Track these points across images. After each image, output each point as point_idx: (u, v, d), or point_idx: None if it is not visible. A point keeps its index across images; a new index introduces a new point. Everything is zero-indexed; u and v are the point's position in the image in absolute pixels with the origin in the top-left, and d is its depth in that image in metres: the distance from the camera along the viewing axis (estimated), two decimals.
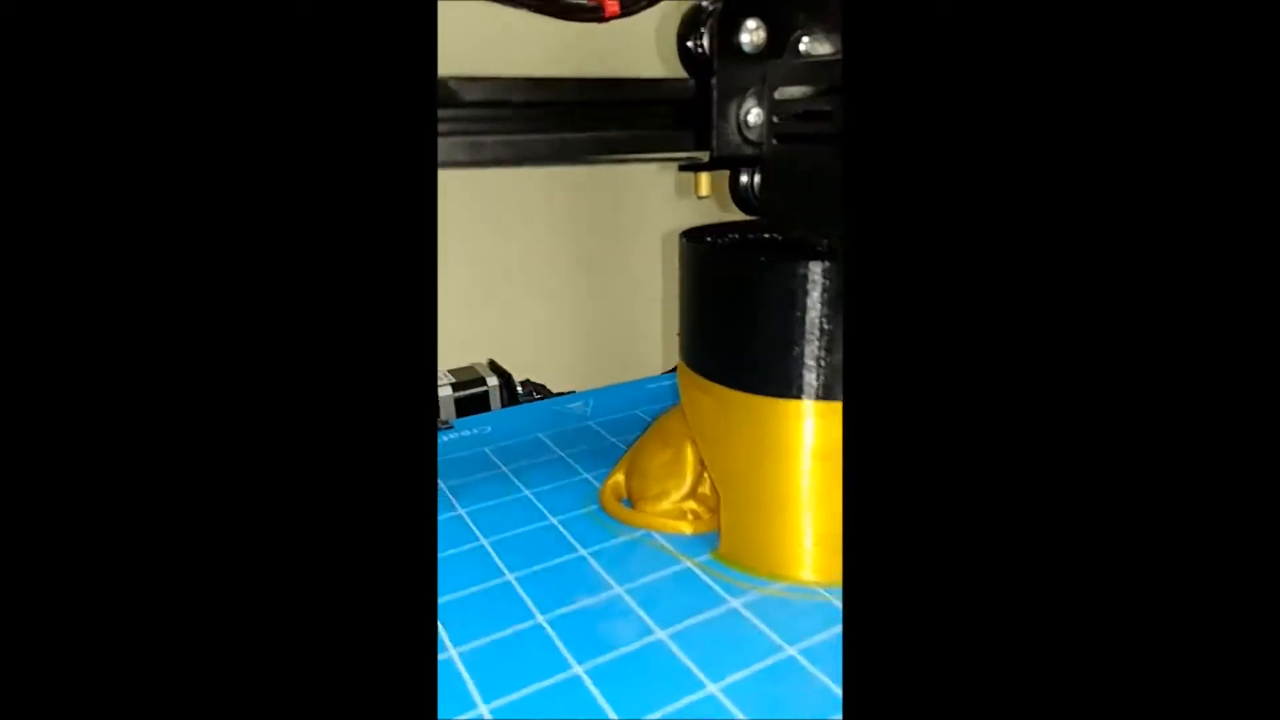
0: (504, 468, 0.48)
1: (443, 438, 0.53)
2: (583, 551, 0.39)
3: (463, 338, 0.73)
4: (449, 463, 0.49)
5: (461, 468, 0.48)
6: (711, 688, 0.30)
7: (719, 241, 0.39)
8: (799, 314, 0.33)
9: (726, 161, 0.37)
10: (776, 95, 0.36)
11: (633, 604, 0.34)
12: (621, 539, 0.40)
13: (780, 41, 0.37)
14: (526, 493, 0.45)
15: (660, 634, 0.32)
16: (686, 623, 0.33)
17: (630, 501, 0.43)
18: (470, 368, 0.66)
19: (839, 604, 0.34)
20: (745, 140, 0.37)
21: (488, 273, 0.73)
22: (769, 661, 0.31)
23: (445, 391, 0.63)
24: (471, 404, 0.63)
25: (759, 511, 0.37)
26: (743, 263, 0.35)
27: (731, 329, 0.35)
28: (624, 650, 0.32)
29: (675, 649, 0.32)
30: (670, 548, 0.39)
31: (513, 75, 0.35)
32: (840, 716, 0.29)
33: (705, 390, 0.37)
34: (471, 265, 0.72)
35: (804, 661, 0.31)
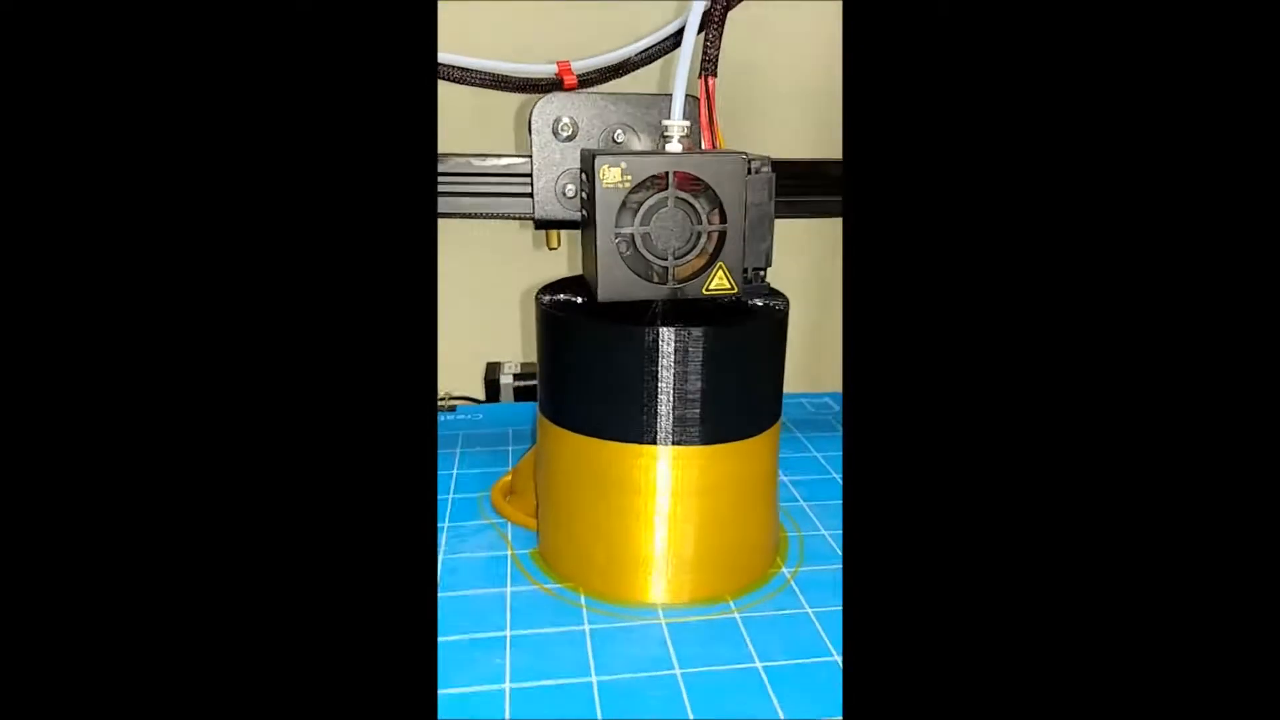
0: (456, 450, 0.59)
1: (441, 419, 0.65)
2: (443, 523, 0.49)
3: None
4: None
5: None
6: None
7: (567, 302, 0.44)
8: (651, 372, 0.39)
9: (545, 224, 0.45)
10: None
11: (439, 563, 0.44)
12: (482, 522, 0.49)
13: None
14: (453, 471, 0.55)
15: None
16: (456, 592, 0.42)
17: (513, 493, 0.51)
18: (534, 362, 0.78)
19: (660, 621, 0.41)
20: (564, 208, 0.44)
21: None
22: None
23: (507, 379, 0.76)
24: (528, 393, 0.75)
25: (606, 542, 0.42)
26: (595, 329, 0.40)
27: (593, 386, 0.41)
28: None
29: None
30: (507, 535, 0.47)
31: None
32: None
33: (562, 439, 0.42)
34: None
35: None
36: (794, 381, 0.81)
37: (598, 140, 0.46)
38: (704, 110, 0.43)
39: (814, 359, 0.84)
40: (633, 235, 0.39)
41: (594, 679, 0.36)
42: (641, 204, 0.38)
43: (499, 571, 0.44)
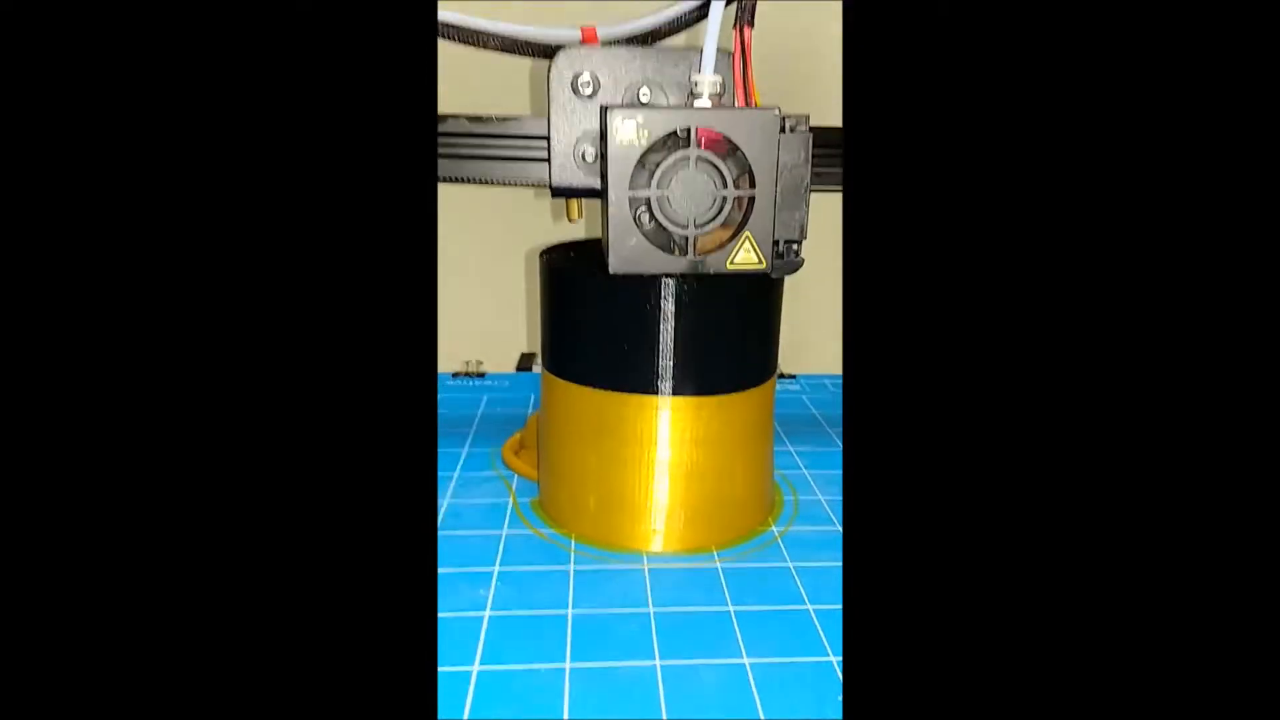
0: (479, 409, 0.61)
1: (469, 384, 0.68)
2: (453, 473, 0.51)
3: None
4: (457, 401, 0.64)
5: (460, 408, 0.63)
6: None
7: (573, 256, 0.45)
8: (654, 323, 0.40)
9: (563, 192, 0.46)
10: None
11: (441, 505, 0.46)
12: (490, 473, 0.51)
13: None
14: (471, 430, 0.58)
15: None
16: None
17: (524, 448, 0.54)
18: None
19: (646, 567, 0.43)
20: (583, 175, 0.45)
21: None
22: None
23: (538, 370, 0.79)
24: None
25: (598, 489, 0.43)
26: (601, 282, 0.40)
27: (592, 337, 0.42)
28: None
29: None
30: (512, 486, 0.50)
31: None
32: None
33: (561, 389, 0.43)
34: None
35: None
36: (816, 361, 0.81)
37: (621, 99, 0.43)
38: (738, 64, 0.38)
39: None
40: (648, 200, 0.37)
41: (569, 612, 0.37)
42: (659, 164, 0.36)
43: (498, 517, 0.46)
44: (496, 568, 0.41)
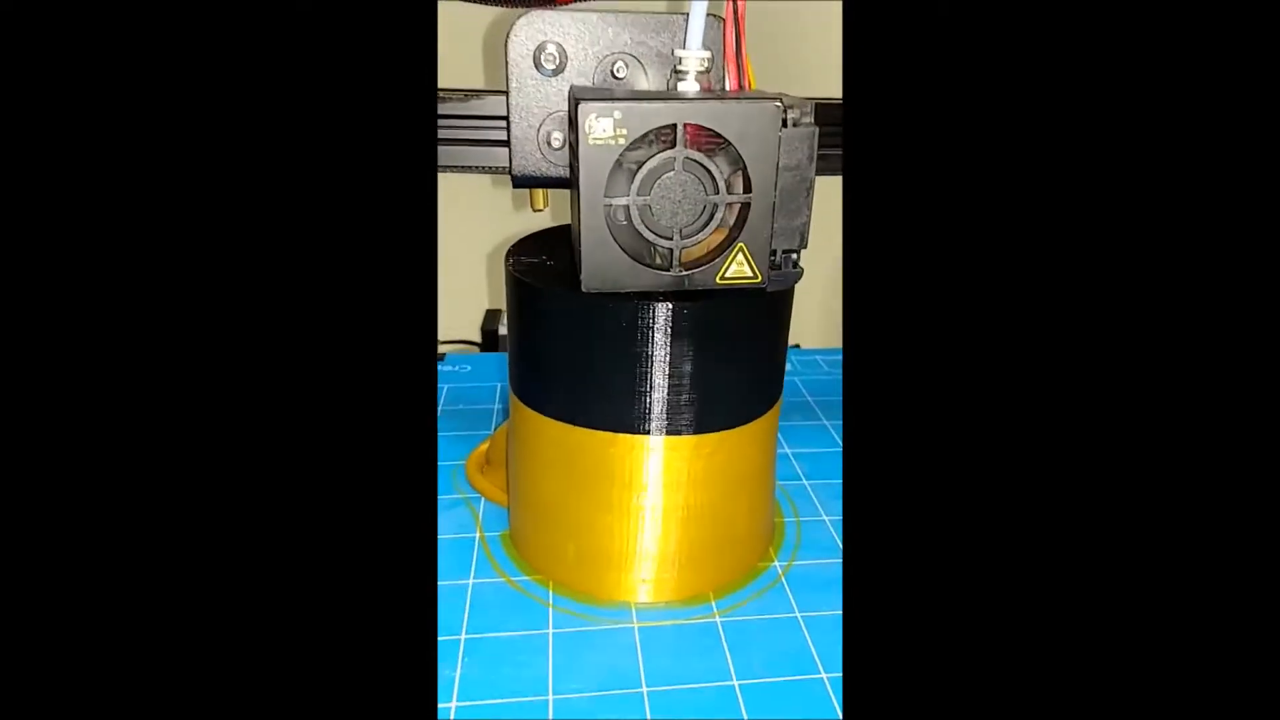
0: (438, 408, 0.55)
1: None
2: None
3: None
4: None
5: None
6: None
7: (548, 264, 0.38)
8: (638, 354, 0.33)
9: (525, 182, 0.38)
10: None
11: None
12: (455, 496, 0.45)
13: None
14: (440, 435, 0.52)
15: None
16: None
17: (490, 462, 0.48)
18: None
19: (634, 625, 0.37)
20: (549, 162, 0.38)
21: None
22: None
23: (505, 331, 0.72)
24: None
25: (579, 535, 0.38)
26: (573, 303, 0.34)
27: (570, 368, 0.35)
28: None
29: None
30: (478, 514, 0.44)
31: None
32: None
33: (534, 423, 0.37)
34: None
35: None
36: (809, 335, 0.76)
37: (592, 75, 0.37)
38: (729, 35, 0.33)
39: (834, 311, 0.78)
40: (628, 207, 0.31)
41: (549, 698, 0.32)
42: (641, 165, 0.31)
43: (464, 557, 0.41)
44: (463, 634, 0.35)
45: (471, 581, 0.39)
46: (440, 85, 0.41)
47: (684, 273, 0.32)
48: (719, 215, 0.32)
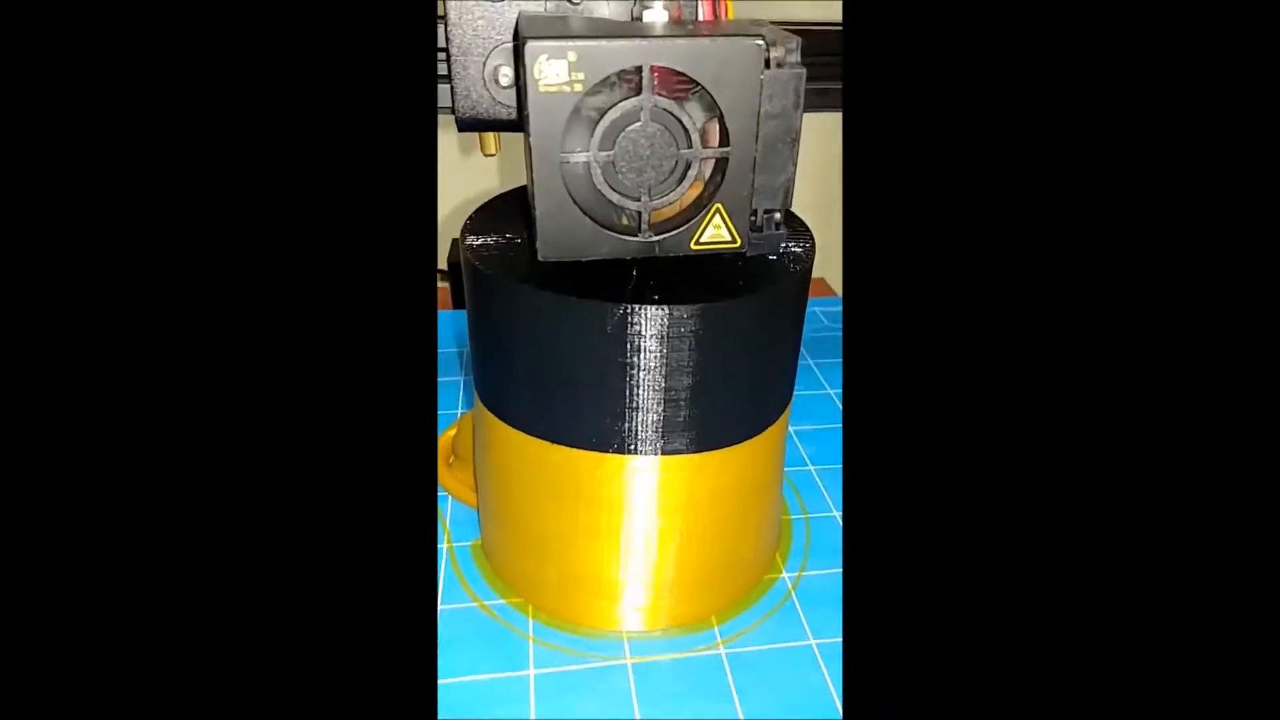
0: None
1: None
2: None
3: None
4: None
5: None
6: None
7: (504, 248, 0.31)
8: (625, 364, 0.28)
9: (471, 125, 0.31)
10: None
11: None
12: None
13: None
14: None
15: None
16: None
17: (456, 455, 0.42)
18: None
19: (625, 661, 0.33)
20: (497, 102, 0.31)
21: None
22: None
23: None
24: None
25: (562, 560, 0.33)
26: (545, 304, 0.28)
27: (544, 378, 0.29)
28: None
29: None
30: (445, 519, 0.39)
31: None
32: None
33: (505, 435, 0.32)
34: None
35: None
36: None
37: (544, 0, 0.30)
38: None
39: (823, 242, 0.72)
40: (588, 164, 0.26)
41: None
42: (602, 115, 0.25)
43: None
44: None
45: (440, 608, 0.34)
46: None
47: (654, 237, 0.27)
48: (693, 172, 0.26)
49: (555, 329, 0.28)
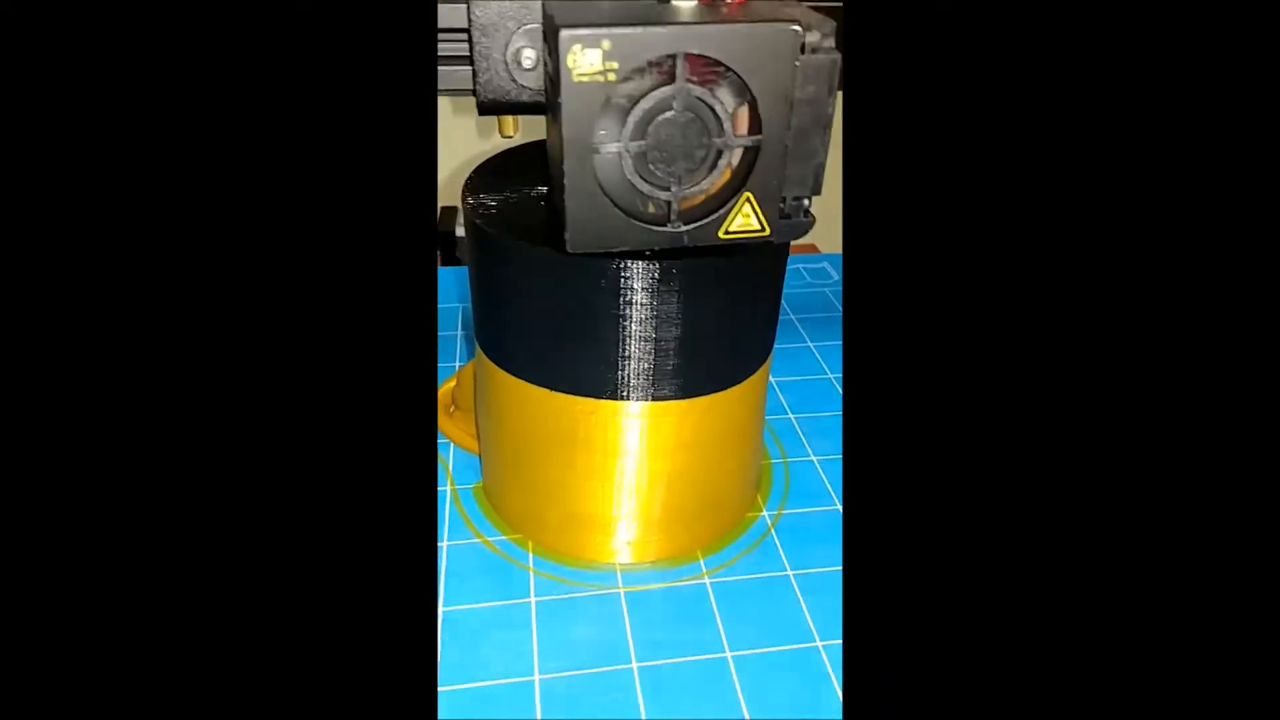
0: None
1: None
2: None
3: None
4: None
5: None
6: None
7: (510, 201, 0.33)
8: (617, 315, 0.30)
9: (493, 108, 0.33)
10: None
11: None
12: None
13: None
14: None
15: None
16: None
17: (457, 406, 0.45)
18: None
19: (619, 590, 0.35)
20: (520, 85, 0.32)
21: None
22: None
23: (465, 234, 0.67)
24: None
25: (561, 501, 0.35)
26: (542, 260, 0.30)
27: (542, 328, 0.32)
28: None
29: None
30: (447, 463, 0.41)
31: None
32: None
33: (505, 383, 0.34)
34: None
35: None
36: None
37: None
38: None
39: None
40: (621, 154, 0.26)
41: (535, 678, 0.31)
42: (634, 104, 0.26)
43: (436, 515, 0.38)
44: (440, 606, 0.34)
45: (446, 544, 0.37)
46: None
47: (683, 228, 0.28)
48: (724, 160, 0.27)
49: (553, 284, 0.30)
